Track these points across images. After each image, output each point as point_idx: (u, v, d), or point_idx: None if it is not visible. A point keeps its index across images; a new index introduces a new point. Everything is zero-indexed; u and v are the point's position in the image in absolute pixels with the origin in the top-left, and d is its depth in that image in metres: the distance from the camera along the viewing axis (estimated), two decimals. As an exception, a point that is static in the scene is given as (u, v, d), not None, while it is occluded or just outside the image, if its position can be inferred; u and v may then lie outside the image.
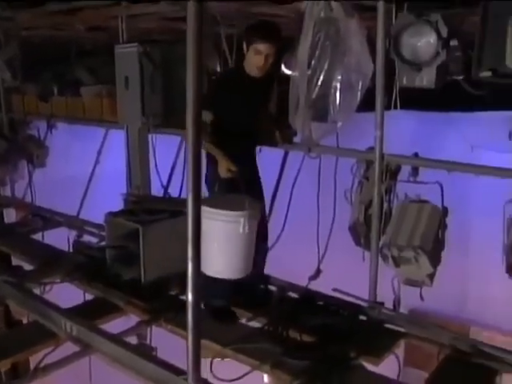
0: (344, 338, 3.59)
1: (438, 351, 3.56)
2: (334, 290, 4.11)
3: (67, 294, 4.30)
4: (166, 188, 5.47)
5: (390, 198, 4.09)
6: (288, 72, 3.70)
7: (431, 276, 3.70)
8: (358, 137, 4.28)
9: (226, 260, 3.43)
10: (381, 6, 3.61)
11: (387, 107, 3.93)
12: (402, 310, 4.01)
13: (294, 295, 4.27)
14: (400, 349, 3.74)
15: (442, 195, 3.78)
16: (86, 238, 5.44)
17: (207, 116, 3.72)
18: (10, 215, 6.86)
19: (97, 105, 6.46)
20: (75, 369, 3.65)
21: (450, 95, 4.08)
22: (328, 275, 4.42)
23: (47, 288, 4.36)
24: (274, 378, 3.45)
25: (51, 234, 5.87)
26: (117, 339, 3.49)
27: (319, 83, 3.41)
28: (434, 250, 3.65)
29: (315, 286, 4.38)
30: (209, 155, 3.85)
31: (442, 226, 3.78)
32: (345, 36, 3.39)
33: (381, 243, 3.77)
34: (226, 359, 3.60)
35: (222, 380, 3.21)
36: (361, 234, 4.23)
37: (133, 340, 3.95)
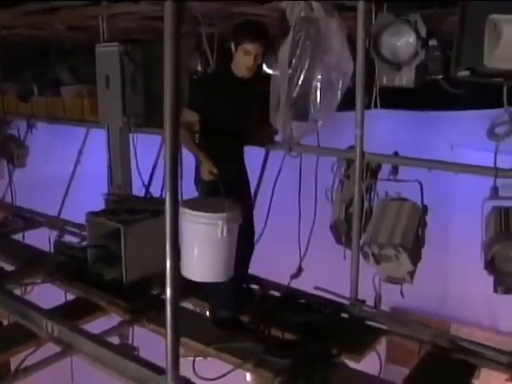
0: (326, 335, 3.61)
1: (419, 348, 3.59)
2: (316, 288, 4.13)
3: (48, 294, 4.27)
4: (147, 187, 5.46)
5: (371, 197, 4.12)
6: (269, 71, 3.70)
7: (412, 273, 3.73)
8: (338, 136, 4.31)
9: (206, 263, 3.38)
10: (361, 5, 3.64)
11: (367, 106, 3.96)
12: (383, 307, 4.04)
13: (275, 294, 4.29)
14: (381, 346, 3.77)
15: (422, 193, 3.81)
16: (67, 238, 5.42)
17: (193, 116, 3.71)
18: (-10, 216, 6.79)
19: (77, 104, 6.43)
20: (57, 370, 3.63)
21: (430, 94, 4.12)
22: (310, 273, 4.44)
23: (28, 289, 4.34)
24: (257, 376, 3.47)
25: (32, 235, 5.82)
26: (99, 339, 3.47)
27: (300, 82, 3.43)
28: (415, 248, 3.69)
29: (297, 284, 4.40)
30: (197, 157, 3.84)
31: (422, 223, 3.81)
32: (325, 35, 3.41)
33: (362, 241, 3.80)
34: (208, 358, 3.60)
35: (205, 379, 3.22)
36: (342, 232, 4.25)
37: (115, 340, 3.94)
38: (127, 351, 3.73)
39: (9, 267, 4.79)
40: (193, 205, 3.34)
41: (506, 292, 3.49)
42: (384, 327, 3.81)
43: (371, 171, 4.10)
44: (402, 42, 3.51)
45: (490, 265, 3.46)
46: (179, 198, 2.59)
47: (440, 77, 3.58)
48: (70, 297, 4.33)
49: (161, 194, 4.49)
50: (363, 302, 3.95)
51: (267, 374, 3.27)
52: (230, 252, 3.36)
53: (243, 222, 3.44)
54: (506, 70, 3.09)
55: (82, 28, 5.93)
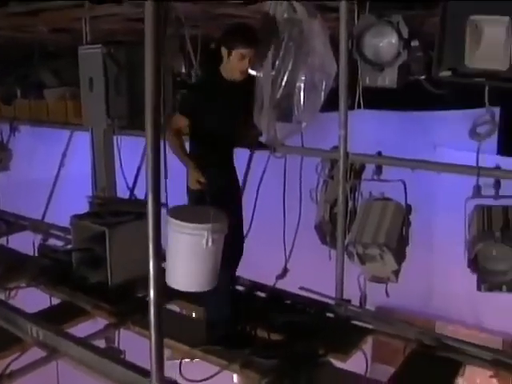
0: (311, 335, 3.62)
1: (405, 346, 3.62)
2: (301, 288, 4.14)
3: (33, 298, 4.24)
4: (131, 190, 5.43)
5: (355, 197, 4.14)
6: (253, 73, 3.69)
7: (396, 273, 3.76)
8: (322, 136, 4.32)
9: (191, 273, 3.33)
10: (343, 7, 3.66)
11: (351, 107, 3.98)
12: (369, 306, 4.06)
13: (261, 294, 4.30)
14: (367, 345, 3.79)
15: (406, 193, 3.84)
16: (52, 241, 5.37)
17: (183, 121, 3.69)
18: (-27, 220, 6.73)
19: (61, 107, 6.40)
20: (42, 374, 3.60)
21: (412, 95, 4.15)
22: (295, 274, 4.45)
23: (12, 293, 4.31)
24: (244, 377, 3.47)
25: (16, 238, 5.77)
26: (84, 343, 3.46)
27: (283, 83, 3.44)
28: (399, 247, 3.71)
29: (282, 284, 4.41)
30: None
31: (406, 223, 3.84)
32: (308, 36, 3.42)
33: (346, 241, 3.81)
34: (195, 360, 3.60)
35: (192, 381, 3.22)
36: (327, 232, 4.27)
37: (101, 344, 3.92)
38: (113, 354, 3.71)
39: (-8, 271, 4.76)
40: (179, 214, 3.29)
41: (489, 290, 3.52)
42: (370, 326, 3.83)
43: (355, 171, 4.12)
44: (385, 42, 3.54)
45: (474, 263, 3.49)
46: (161, 199, 2.58)
47: (422, 77, 3.60)
48: (55, 301, 4.31)
49: (145, 197, 4.46)
50: (349, 301, 3.97)
51: (254, 374, 3.28)
52: (215, 262, 3.31)
53: (233, 227, 3.42)
54: (487, 70, 3.13)
55: (65, 30, 5.90)
